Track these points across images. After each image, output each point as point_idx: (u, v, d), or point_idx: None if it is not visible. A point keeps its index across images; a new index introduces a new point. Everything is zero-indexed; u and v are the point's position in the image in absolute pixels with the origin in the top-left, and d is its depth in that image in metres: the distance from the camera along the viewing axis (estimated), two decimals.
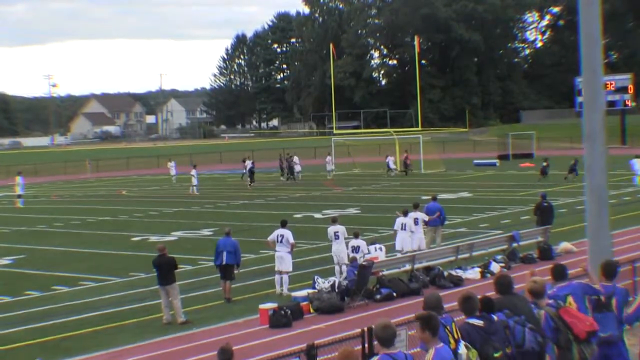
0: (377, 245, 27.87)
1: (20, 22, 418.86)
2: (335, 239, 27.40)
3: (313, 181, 69.62)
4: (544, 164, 59.70)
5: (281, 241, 26.26)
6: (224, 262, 25.36)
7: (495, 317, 10.52)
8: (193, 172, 63.66)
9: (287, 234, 26.35)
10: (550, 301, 11.51)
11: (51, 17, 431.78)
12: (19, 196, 60.04)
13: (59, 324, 23.68)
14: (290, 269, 26.34)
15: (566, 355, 10.91)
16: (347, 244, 27.47)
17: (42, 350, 20.95)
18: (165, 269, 23.38)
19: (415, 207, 30.67)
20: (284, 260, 26.09)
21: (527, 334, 10.60)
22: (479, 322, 10.26)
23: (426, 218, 30.51)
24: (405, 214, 29.47)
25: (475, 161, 71.56)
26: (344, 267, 27.09)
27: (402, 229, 29.08)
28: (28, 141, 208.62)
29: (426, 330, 9.29)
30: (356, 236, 27.26)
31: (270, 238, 26.79)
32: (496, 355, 10.18)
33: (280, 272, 26.09)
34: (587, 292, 12.15)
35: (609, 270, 12.85)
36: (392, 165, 72.18)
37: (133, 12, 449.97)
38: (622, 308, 12.60)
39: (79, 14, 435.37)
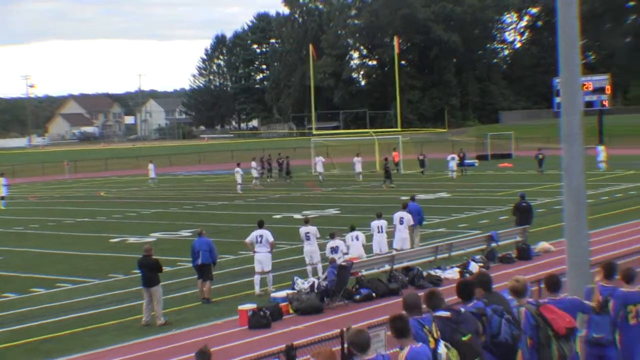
0: (354, 234, 27.82)
1: None
2: (306, 239, 27.43)
3: (298, 182, 69.83)
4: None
5: (260, 242, 26.24)
6: (200, 262, 25.38)
7: (462, 310, 10.54)
8: (237, 169, 63.56)
9: (266, 233, 26.37)
10: (531, 300, 11.54)
11: (32, 17, 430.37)
12: (2, 198, 59.61)
13: (37, 326, 23.58)
14: (270, 268, 26.34)
15: (545, 352, 10.94)
16: (324, 245, 27.43)
17: (21, 352, 20.86)
18: (148, 271, 23.36)
19: (404, 207, 30.74)
20: (265, 261, 26.09)
21: (503, 324, 10.62)
22: (445, 314, 10.28)
23: (412, 221, 30.40)
24: (379, 216, 29.46)
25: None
26: (319, 267, 27.19)
27: (378, 231, 29.06)
28: (5, 142, 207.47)
29: (392, 332, 9.32)
30: (332, 237, 27.08)
31: (248, 240, 26.71)
32: (464, 339, 10.18)
33: (262, 273, 26.09)
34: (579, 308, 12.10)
35: (609, 271, 12.87)
36: (318, 168, 72.16)
37: (115, 12, 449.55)
38: (619, 311, 12.61)
39: (60, 14, 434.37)
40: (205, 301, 25.18)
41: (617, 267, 13.20)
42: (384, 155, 73.94)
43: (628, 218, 38.03)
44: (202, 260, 25.39)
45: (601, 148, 68.55)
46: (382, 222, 29.18)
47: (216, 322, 22.80)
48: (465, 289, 11.02)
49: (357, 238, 27.69)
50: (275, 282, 26.43)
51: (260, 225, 26.80)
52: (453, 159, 67.54)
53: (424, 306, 10.31)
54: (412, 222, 30.27)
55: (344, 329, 13.31)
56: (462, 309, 10.52)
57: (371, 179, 68.71)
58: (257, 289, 25.95)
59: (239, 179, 62.80)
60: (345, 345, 13.39)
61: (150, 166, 74.88)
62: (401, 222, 29.82)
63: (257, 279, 26.13)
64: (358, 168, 69.28)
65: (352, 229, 28.52)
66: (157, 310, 23.09)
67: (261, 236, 26.31)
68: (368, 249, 28.72)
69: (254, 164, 69.56)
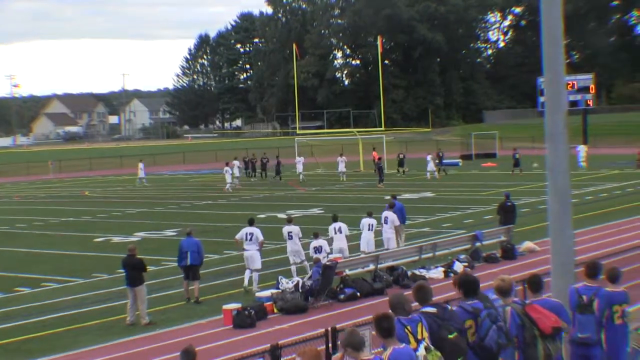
0: (337, 225, 27.88)
1: None
2: (289, 238, 27.51)
3: (283, 181, 69.88)
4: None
5: (250, 239, 26.32)
6: (188, 263, 25.32)
7: (450, 307, 10.54)
8: (227, 169, 64.64)
9: (256, 231, 26.49)
10: (516, 299, 11.55)
11: (16, 17, 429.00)
12: None
13: (20, 325, 23.47)
14: (260, 266, 26.38)
15: (531, 351, 10.96)
16: (308, 244, 27.43)
17: (2, 353, 20.75)
18: (132, 270, 23.29)
19: (391, 207, 30.75)
20: (253, 259, 26.19)
21: (492, 330, 10.61)
22: (432, 310, 10.29)
23: (397, 222, 30.41)
24: (369, 214, 29.52)
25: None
26: (306, 263, 27.22)
27: (368, 229, 29.12)
28: None
29: (377, 331, 9.32)
30: (316, 237, 27.10)
31: (238, 236, 26.85)
32: (450, 336, 10.19)
33: (252, 270, 26.14)
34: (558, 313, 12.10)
35: (593, 271, 12.90)
36: (299, 168, 71.62)
37: (99, 12, 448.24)
38: (604, 311, 12.63)
39: (44, 14, 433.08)
40: (188, 301, 25.11)
41: (602, 267, 13.23)
42: (368, 155, 74.09)
43: (613, 218, 38.15)
44: (191, 261, 25.28)
45: (581, 147, 69.38)
46: (373, 221, 29.25)
47: (200, 322, 22.75)
48: (471, 285, 10.98)
49: (340, 230, 27.83)
50: (260, 282, 26.41)
51: (251, 223, 26.91)
52: (433, 159, 67.62)
53: (414, 303, 10.32)
54: (397, 222, 30.29)
55: (328, 328, 13.32)
56: (449, 306, 10.53)
57: (355, 178, 68.73)
58: (245, 282, 26.10)
59: (228, 178, 63.04)
60: (330, 344, 13.41)
61: (140, 165, 74.62)
62: (385, 221, 29.86)
63: (247, 273, 26.32)
64: (342, 168, 69.21)
65: (335, 219, 28.66)
66: (142, 310, 23.02)
67: (251, 234, 26.39)
68: (352, 248, 28.77)
69: (236, 162, 69.65)
